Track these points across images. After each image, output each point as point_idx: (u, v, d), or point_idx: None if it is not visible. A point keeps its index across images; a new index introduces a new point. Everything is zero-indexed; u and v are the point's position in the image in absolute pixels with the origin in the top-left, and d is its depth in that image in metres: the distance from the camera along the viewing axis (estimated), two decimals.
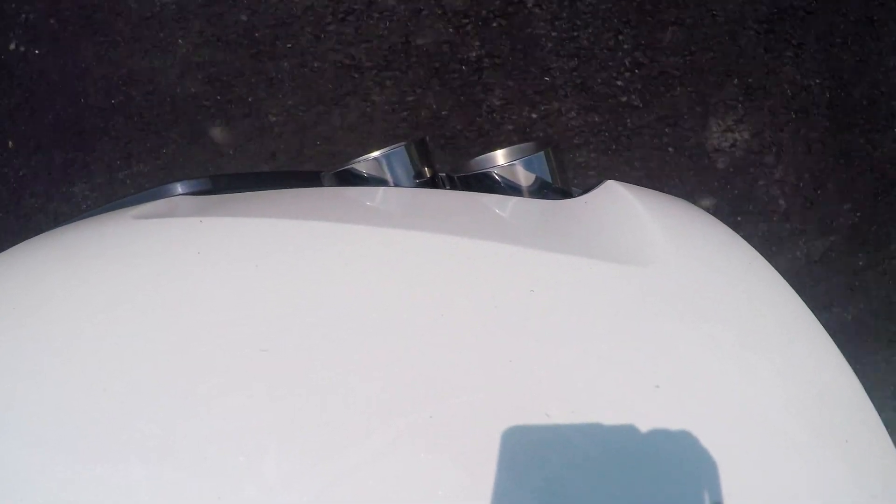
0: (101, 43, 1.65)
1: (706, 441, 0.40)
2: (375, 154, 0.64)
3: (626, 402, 0.41)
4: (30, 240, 0.57)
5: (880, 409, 0.46)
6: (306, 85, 1.62)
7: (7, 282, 0.50)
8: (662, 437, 0.39)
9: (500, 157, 0.67)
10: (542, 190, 0.62)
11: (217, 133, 1.65)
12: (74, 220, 0.61)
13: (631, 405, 0.41)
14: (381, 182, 0.64)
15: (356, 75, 1.61)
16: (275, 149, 1.63)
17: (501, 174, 0.62)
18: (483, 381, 0.40)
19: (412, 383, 0.40)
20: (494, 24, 1.57)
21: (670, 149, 1.61)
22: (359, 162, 0.64)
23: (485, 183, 0.62)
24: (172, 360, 0.41)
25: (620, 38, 1.58)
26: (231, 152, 1.64)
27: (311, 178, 0.71)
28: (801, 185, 1.63)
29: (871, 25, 1.58)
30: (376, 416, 0.38)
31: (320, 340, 0.42)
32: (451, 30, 1.58)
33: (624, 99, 1.60)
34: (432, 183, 0.67)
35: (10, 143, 1.68)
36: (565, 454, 0.38)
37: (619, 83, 1.59)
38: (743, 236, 0.56)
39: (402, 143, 0.65)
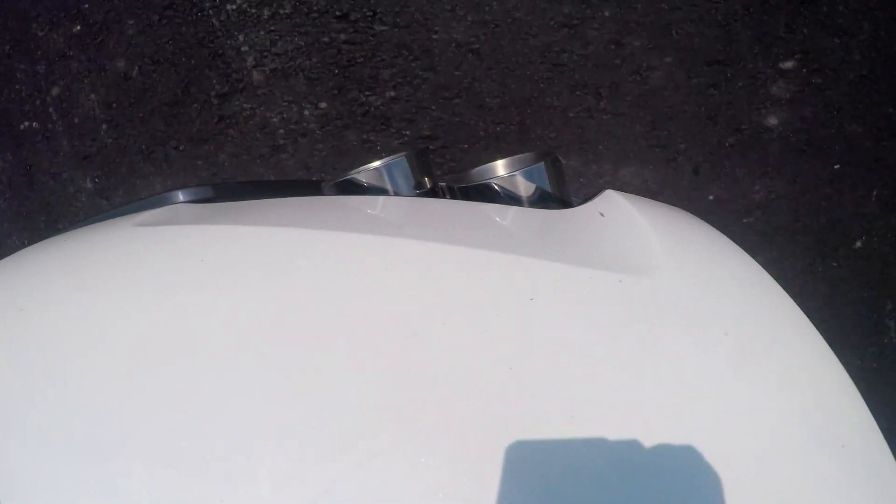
0: None
1: (705, 448, 0.40)
2: (376, 164, 0.65)
3: (626, 410, 0.41)
4: (30, 247, 0.57)
5: None
6: None
7: (8, 289, 0.50)
8: (659, 444, 0.40)
9: (500, 167, 0.67)
10: (542, 200, 0.62)
11: None
12: (75, 228, 0.61)
13: (630, 413, 0.41)
14: (381, 192, 0.64)
15: None
16: None
17: (501, 185, 0.62)
18: (483, 390, 0.41)
19: (413, 390, 0.40)
20: None
21: None
22: (359, 172, 0.65)
23: (485, 194, 0.63)
24: (174, 365, 0.41)
25: None
26: None
27: (311, 188, 0.71)
28: None
29: None
30: (378, 421, 0.39)
31: (321, 348, 0.42)
32: None
33: None
34: (432, 193, 0.67)
35: None
36: (565, 462, 0.38)
37: None
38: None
39: (403, 154, 0.65)
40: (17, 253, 0.55)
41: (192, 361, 0.41)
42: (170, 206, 0.60)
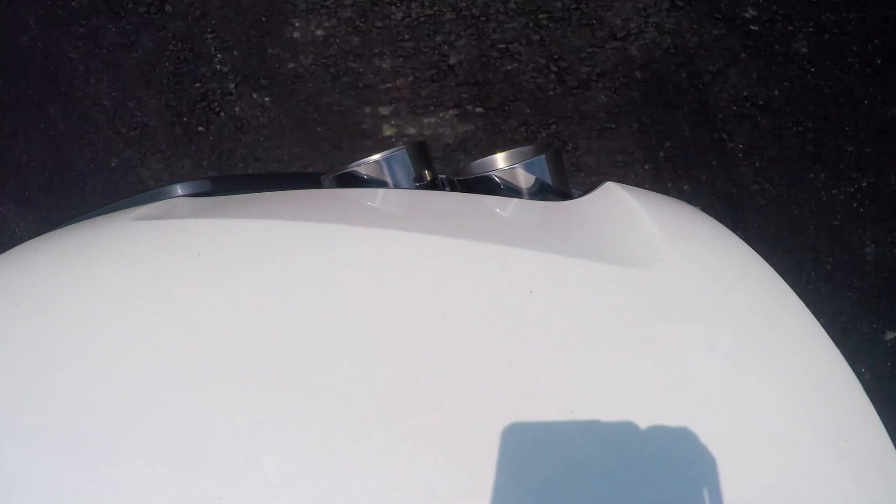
0: None
1: (706, 441, 0.39)
2: (376, 157, 0.64)
3: (626, 403, 0.41)
4: (30, 241, 0.57)
5: None
6: None
7: (8, 283, 0.50)
8: (662, 438, 0.39)
9: (500, 160, 0.67)
10: (543, 192, 0.62)
11: None
12: (74, 222, 0.61)
13: (630, 406, 0.41)
14: (381, 185, 0.64)
15: None
16: None
17: (502, 177, 0.62)
18: (483, 383, 0.40)
19: (412, 384, 0.40)
20: None
21: None
22: (359, 165, 0.64)
23: (485, 186, 0.62)
24: (173, 360, 0.41)
25: None
26: None
27: (311, 181, 0.71)
28: None
29: None
30: (377, 417, 0.38)
31: (320, 341, 0.42)
32: None
33: None
34: (432, 186, 0.67)
35: None
36: (565, 455, 0.38)
37: None
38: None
39: (403, 147, 0.65)
40: (16, 248, 0.55)
41: (190, 357, 0.41)
42: (168, 200, 0.60)
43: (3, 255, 0.55)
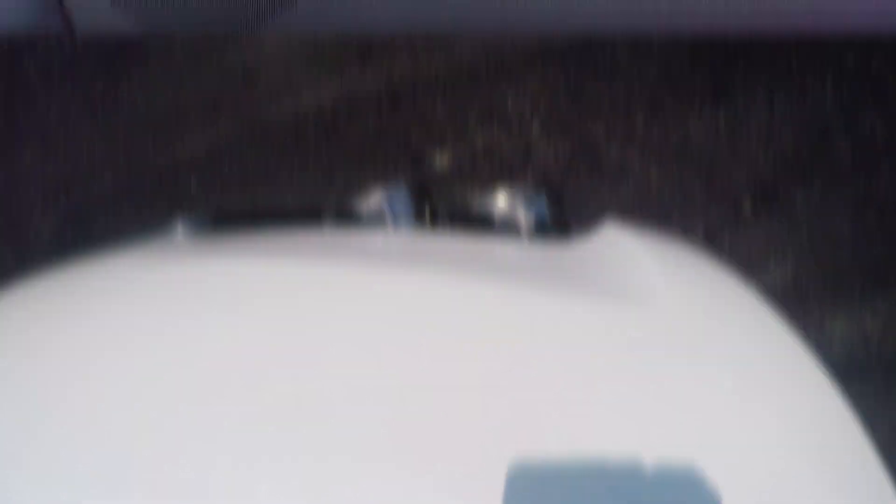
0: None
1: (708, 481, 0.39)
2: (375, 193, 0.65)
3: (625, 441, 0.41)
4: (25, 281, 0.57)
5: None
6: None
7: (2, 321, 0.50)
8: (661, 476, 0.39)
9: (500, 198, 0.67)
10: (542, 231, 0.62)
11: None
12: (72, 260, 0.61)
13: (629, 444, 0.40)
14: (379, 220, 0.65)
15: None
16: None
17: (502, 215, 0.62)
18: (480, 420, 0.40)
19: (407, 424, 0.40)
20: None
21: None
22: (359, 200, 0.65)
23: (485, 224, 0.63)
24: (169, 394, 0.41)
25: None
26: None
27: (311, 214, 0.71)
28: None
29: None
30: (371, 457, 0.38)
31: (318, 379, 0.42)
32: None
33: None
34: (431, 222, 0.68)
35: None
36: (563, 492, 0.38)
37: None
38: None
39: (402, 182, 0.66)
40: (10, 287, 0.55)
41: (187, 391, 0.41)
42: (167, 240, 0.60)
43: None
